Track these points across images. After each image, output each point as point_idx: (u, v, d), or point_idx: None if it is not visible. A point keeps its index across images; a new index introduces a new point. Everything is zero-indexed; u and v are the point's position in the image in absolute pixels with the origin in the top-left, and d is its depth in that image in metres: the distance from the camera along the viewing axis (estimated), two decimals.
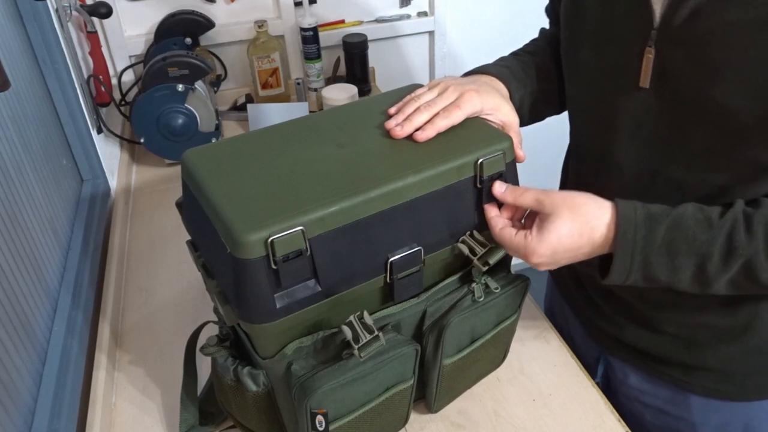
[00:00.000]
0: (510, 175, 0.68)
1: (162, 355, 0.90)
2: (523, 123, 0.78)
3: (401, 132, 0.66)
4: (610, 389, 0.91)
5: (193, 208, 0.65)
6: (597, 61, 0.71)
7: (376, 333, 0.60)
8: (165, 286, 1.03)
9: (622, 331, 0.83)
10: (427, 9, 1.79)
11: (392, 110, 0.70)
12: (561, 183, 0.93)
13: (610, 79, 0.70)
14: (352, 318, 0.61)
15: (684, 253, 0.62)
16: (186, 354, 0.79)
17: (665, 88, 0.65)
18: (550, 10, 0.90)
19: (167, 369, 0.88)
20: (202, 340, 0.70)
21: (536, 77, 0.83)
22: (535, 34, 0.94)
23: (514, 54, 0.88)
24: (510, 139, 0.67)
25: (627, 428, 0.76)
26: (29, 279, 0.82)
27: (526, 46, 0.91)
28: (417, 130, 0.67)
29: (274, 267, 0.56)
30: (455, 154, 0.64)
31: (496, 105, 0.72)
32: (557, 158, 0.93)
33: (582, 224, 0.63)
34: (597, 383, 0.91)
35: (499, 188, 0.66)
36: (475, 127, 0.69)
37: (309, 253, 0.57)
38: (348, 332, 0.60)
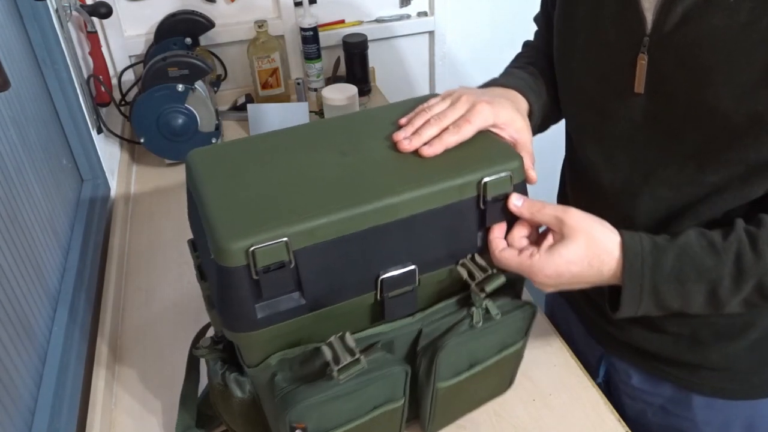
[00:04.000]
0: None
1: (162, 355, 0.90)
2: (533, 133, 0.76)
3: (409, 146, 0.64)
4: (612, 389, 0.91)
5: (194, 209, 0.65)
6: (589, 69, 0.72)
7: (357, 356, 0.57)
8: (165, 286, 1.03)
9: (624, 331, 0.83)
10: (427, 9, 1.79)
11: (402, 121, 0.68)
12: (560, 187, 0.93)
13: (603, 86, 0.70)
14: (332, 339, 0.58)
15: (694, 280, 0.62)
16: (189, 354, 0.79)
17: (659, 93, 0.65)
18: (542, 18, 0.88)
19: (167, 369, 0.88)
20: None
21: (545, 88, 0.82)
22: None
23: (516, 67, 0.85)
24: (520, 158, 0.64)
25: (627, 428, 0.76)
26: (29, 279, 0.82)
27: (521, 59, 0.88)
28: (425, 144, 0.64)
29: (255, 277, 0.54)
30: (458, 171, 0.61)
31: (510, 119, 0.69)
32: (555, 164, 0.93)
33: (593, 256, 0.62)
34: (599, 383, 0.91)
35: (515, 202, 0.63)
36: (483, 143, 0.66)
37: (293, 265, 0.55)
38: (328, 353, 0.58)
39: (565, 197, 0.90)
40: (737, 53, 0.58)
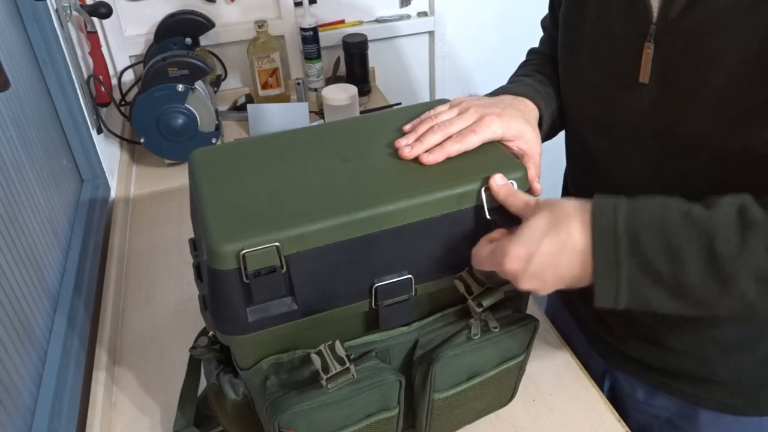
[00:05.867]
0: None
1: (162, 355, 0.90)
2: (542, 140, 0.75)
3: (409, 153, 0.63)
4: (617, 402, 0.88)
5: (194, 208, 0.65)
6: (596, 62, 0.71)
7: (347, 365, 0.56)
8: (165, 286, 1.03)
9: (628, 346, 0.81)
10: (427, 9, 1.79)
11: (407, 127, 0.68)
12: (562, 195, 0.92)
13: (609, 78, 0.69)
14: (322, 347, 0.58)
15: (681, 231, 0.53)
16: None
17: (666, 81, 0.64)
18: (550, 19, 0.87)
19: (167, 369, 0.88)
20: None
21: (554, 95, 0.80)
22: (535, 35, 0.93)
23: (523, 75, 0.83)
24: (524, 169, 0.62)
25: (627, 428, 0.76)
26: (29, 279, 0.82)
27: (527, 66, 0.86)
28: (428, 151, 0.63)
29: (246, 281, 0.54)
30: (458, 180, 0.60)
31: (520, 131, 0.68)
32: (555, 167, 0.92)
33: (558, 220, 0.56)
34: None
35: (497, 180, 0.60)
36: (488, 153, 0.65)
37: (285, 270, 0.55)
38: (317, 361, 0.57)
39: None
40: (746, 34, 0.56)
